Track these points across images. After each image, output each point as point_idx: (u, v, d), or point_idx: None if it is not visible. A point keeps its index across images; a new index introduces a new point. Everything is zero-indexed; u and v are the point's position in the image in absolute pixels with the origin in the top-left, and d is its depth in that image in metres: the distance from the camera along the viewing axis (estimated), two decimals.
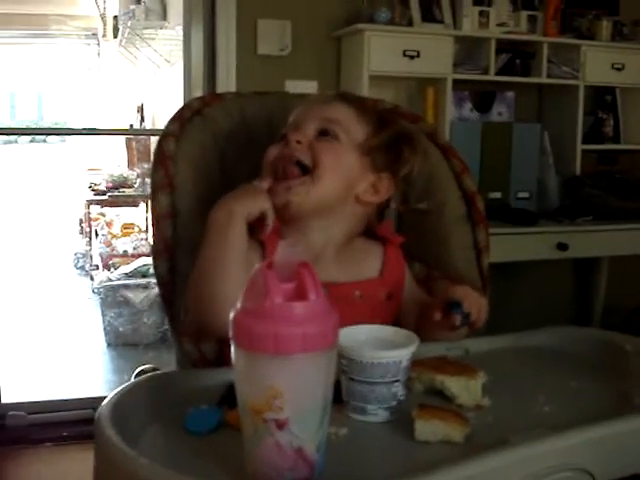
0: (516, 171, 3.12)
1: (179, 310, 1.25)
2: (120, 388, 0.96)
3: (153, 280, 4.26)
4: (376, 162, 1.26)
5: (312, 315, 0.76)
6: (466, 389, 1.00)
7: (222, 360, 1.21)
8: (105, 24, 6.45)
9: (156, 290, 3.85)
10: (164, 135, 1.34)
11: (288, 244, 0.79)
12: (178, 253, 1.28)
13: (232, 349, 0.78)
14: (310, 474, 0.79)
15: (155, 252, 1.29)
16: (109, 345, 4.20)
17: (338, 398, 0.93)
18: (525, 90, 3.31)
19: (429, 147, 1.46)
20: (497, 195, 3.08)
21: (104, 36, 6.77)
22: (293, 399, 0.75)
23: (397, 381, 0.95)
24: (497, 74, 3.09)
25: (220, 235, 1.11)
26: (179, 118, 1.36)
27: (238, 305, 0.79)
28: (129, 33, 4.99)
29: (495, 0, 3.11)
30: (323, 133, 1.23)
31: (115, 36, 5.56)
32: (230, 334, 0.78)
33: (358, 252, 1.29)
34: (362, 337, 1.00)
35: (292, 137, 1.21)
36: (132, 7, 4.83)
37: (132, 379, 1.06)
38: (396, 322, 1.30)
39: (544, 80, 3.18)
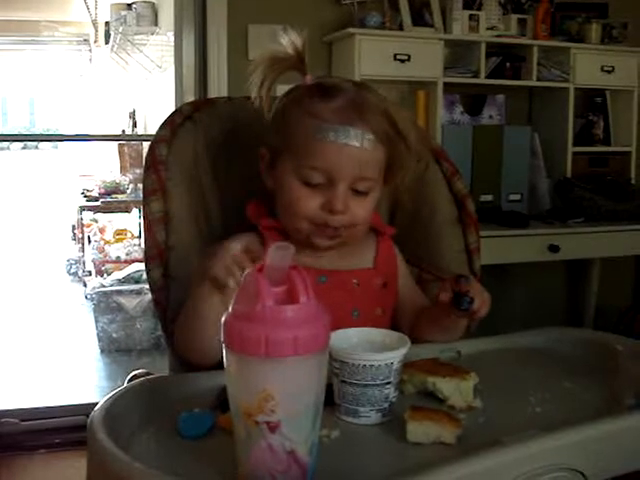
0: (507, 174, 3.13)
1: (172, 316, 1.26)
2: (113, 393, 0.96)
3: (146, 286, 4.23)
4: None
5: (303, 318, 0.76)
6: (458, 390, 1.01)
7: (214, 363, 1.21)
8: (97, 30, 6.43)
9: (149, 296, 3.85)
10: (156, 140, 1.34)
11: (279, 247, 0.79)
12: (171, 258, 1.28)
13: (224, 352, 0.78)
14: (302, 477, 0.79)
15: (148, 257, 1.29)
16: (102, 351, 4.19)
17: (330, 401, 0.93)
18: (515, 93, 3.33)
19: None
20: (488, 198, 3.09)
21: (96, 42, 6.76)
22: (285, 402, 0.75)
23: (389, 383, 0.95)
24: (487, 77, 3.11)
25: (194, 292, 1.11)
26: (170, 123, 1.37)
27: (230, 309, 0.79)
28: (120, 39, 4.99)
29: (485, 4, 3.13)
30: (357, 191, 1.19)
31: (107, 42, 5.55)
32: (222, 338, 0.78)
33: (354, 244, 1.30)
34: (353, 339, 1.00)
35: (337, 207, 1.16)
36: (123, 13, 4.83)
37: (125, 384, 1.05)
38: (394, 313, 1.31)
39: (534, 83, 3.20)
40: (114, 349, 4.17)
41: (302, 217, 1.19)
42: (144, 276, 4.16)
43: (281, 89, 1.26)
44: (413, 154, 1.25)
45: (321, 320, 0.78)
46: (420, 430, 0.89)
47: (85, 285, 5.20)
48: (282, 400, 0.75)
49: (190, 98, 3.06)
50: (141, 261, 4.71)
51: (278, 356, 0.74)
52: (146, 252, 1.30)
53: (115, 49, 5.34)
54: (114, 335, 4.16)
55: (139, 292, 4.27)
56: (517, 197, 3.15)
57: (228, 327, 0.77)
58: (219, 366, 1.13)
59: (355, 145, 1.15)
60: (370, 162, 1.18)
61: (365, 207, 1.21)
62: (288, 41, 1.23)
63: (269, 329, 0.74)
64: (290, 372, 0.75)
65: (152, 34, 4.71)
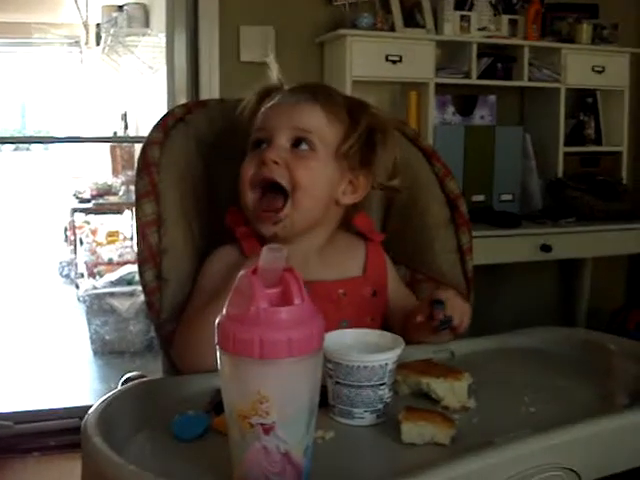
0: (499, 174, 3.14)
1: (165, 318, 1.26)
2: (107, 395, 0.96)
3: (139, 288, 4.23)
4: (352, 162, 1.25)
5: (297, 320, 0.76)
6: (452, 391, 1.01)
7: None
8: (88, 32, 6.43)
9: (142, 298, 3.85)
10: (148, 142, 1.33)
11: (273, 249, 0.79)
12: (164, 261, 1.28)
13: (218, 355, 0.78)
14: (297, 478, 0.79)
15: (141, 260, 1.29)
16: (95, 354, 4.18)
17: (324, 402, 0.93)
18: (507, 93, 3.34)
19: (412, 151, 1.47)
20: (480, 198, 3.09)
21: (87, 44, 6.74)
22: (279, 404, 0.75)
23: (383, 384, 0.95)
24: (479, 78, 3.11)
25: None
26: (163, 125, 1.36)
27: (223, 311, 0.79)
28: (112, 40, 4.98)
29: (476, 5, 3.14)
30: (298, 142, 1.21)
31: (98, 44, 5.55)
32: (216, 339, 0.78)
33: (341, 250, 1.30)
34: (348, 341, 1.01)
35: (268, 157, 1.19)
36: (114, 14, 4.82)
37: (119, 386, 1.05)
38: (385, 320, 1.31)
39: (526, 83, 3.20)
40: (107, 351, 4.16)
41: (244, 182, 1.22)
42: (137, 278, 4.16)
43: None
44: (390, 141, 1.27)
45: (315, 321, 0.78)
46: (414, 431, 0.89)
47: (77, 287, 5.19)
48: (276, 402, 0.75)
49: (182, 100, 3.05)
50: (133, 263, 4.71)
51: (272, 358, 0.74)
52: (139, 255, 1.29)
53: (106, 51, 5.33)
54: (107, 337, 4.15)
55: (132, 294, 4.27)
56: (509, 197, 3.16)
57: (222, 329, 0.77)
58: (213, 368, 1.13)
59: (290, 101, 1.24)
60: (306, 114, 1.22)
61: (307, 164, 1.20)
62: (275, 75, 1.34)
63: (263, 331, 0.75)
64: (284, 374, 0.75)
65: (143, 35, 4.70)
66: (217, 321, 0.78)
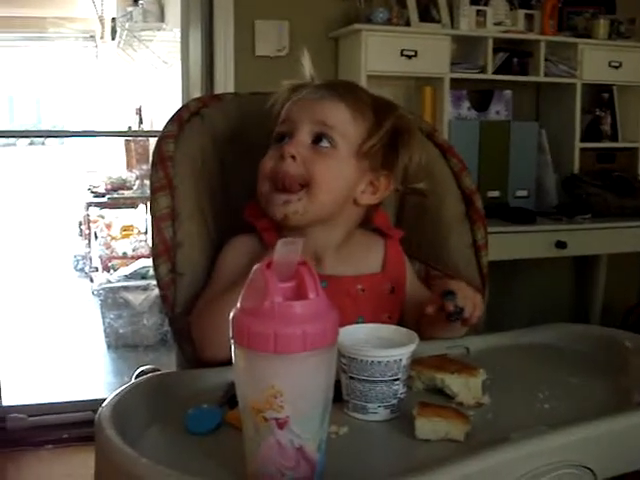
0: (514, 170, 3.13)
1: (180, 312, 1.26)
2: (120, 389, 0.96)
3: (153, 282, 4.26)
4: (373, 162, 1.24)
5: (312, 314, 0.76)
6: (466, 387, 1.00)
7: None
8: (103, 26, 6.44)
9: (156, 292, 3.85)
10: (163, 136, 1.33)
11: (287, 242, 0.79)
12: (178, 254, 1.28)
13: (232, 348, 0.78)
14: (311, 473, 0.79)
15: (155, 254, 1.29)
16: (109, 347, 4.20)
17: (338, 397, 0.93)
18: (523, 89, 3.32)
19: (428, 147, 1.46)
20: (495, 194, 3.08)
21: (102, 38, 6.76)
22: (294, 398, 0.75)
23: (397, 379, 0.95)
24: (495, 73, 3.10)
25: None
26: (177, 119, 1.36)
27: (238, 304, 0.79)
28: (127, 35, 4.98)
29: None
30: (319, 138, 1.20)
31: (113, 38, 5.55)
32: (230, 333, 0.78)
33: (359, 247, 1.30)
34: (362, 336, 1.00)
35: (287, 151, 1.18)
36: (130, 9, 4.83)
37: (132, 380, 1.05)
38: (402, 317, 1.31)
39: (541, 79, 3.19)
40: (121, 345, 4.17)
41: (263, 174, 1.22)
42: (151, 272, 4.18)
43: None
44: (414, 143, 1.26)
45: (330, 316, 0.78)
46: (428, 427, 0.89)
47: (92, 281, 5.21)
48: (291, 396, 0.75)
49: (196, 94, 3.06)
50: (148, 257, 4.72)
51: (287, 352, 0.74)
52: (153, 248, 1.29)
53: (121, 45, 5.33)
54: (121, 331, 4.17)
55: (146, 288, 4.28)
56: (524, 193, 3.15)
57: (236, 323, 0.77)
58: (227, 362, 1.13)
59: (315, 96, 1.23)
60: (330, 110, 1.21)
61: (325, 160, 1.19)
62: (308, 71, 1.32)
63: (278, 325, 0.74)
64: (299, 368, 0.75)
65: (158, 30, 4.70)
66: (231, 315, 0.78)
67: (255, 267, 0.79)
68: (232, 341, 0.78)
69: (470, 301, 1.15)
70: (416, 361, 1.01)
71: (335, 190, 1.21)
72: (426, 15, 3.04)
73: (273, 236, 1.21)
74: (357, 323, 1.18)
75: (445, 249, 1.44)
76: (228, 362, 1.04)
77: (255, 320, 0.75)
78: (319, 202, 1.19)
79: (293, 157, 1.19)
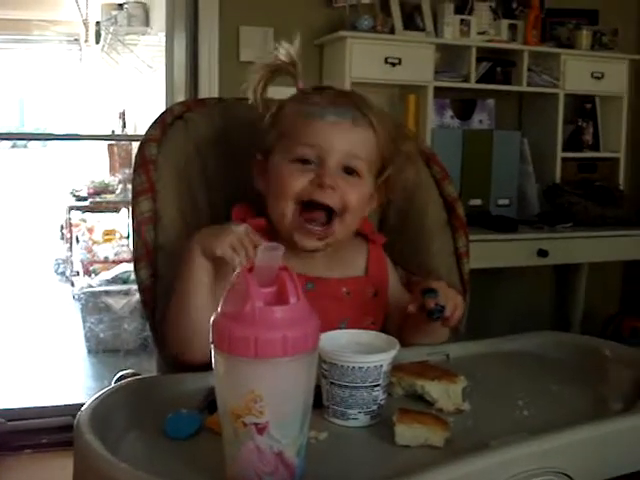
0: (496, 178, 3.14)
1: (160, 316, 1.25)
2: (100, 393, 0.95)
3: (134, 286, 4.24)
4: (381, 184, 1.28)
5: (293, 319, 0.76)
6: (446, 393, 1.01)
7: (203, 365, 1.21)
8: (87, 30, 6.42)
9: (137, 297, 3.83)
10: (145, 140, 1.33)
11: (269, 248, 0.79)
12: (159, 258, 1.28)
13: (212, 353, 0.78)
14: (290, 478, 0.79)
15: (136, 257, 1.28)
16: (90, 351, 4.17)
17: (318, 403, 0.93)
18: (505, 98, 3.34)
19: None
20: (477, 202, 3.09)
21: (86, 41, 6.74)
22: (273, 403, 0.75)
23: (378, 385, 0.95)
24: (478, 82, 3.11)
25: (183, 270, 1.14)
26: (161, 123, 1.36)
27: (218, 309, 0.79)
28: (111, 39, 4.97)
29: (476, 9, 3.14)
30: (349, 170, 1.21)
31: (97, 42, 5.54)
32: (210, 338, 0.78)
33: (344, 250, 1.31)
34: (343, 341, 1.00)
35: (327, 183, 1.17)
36: (114, 13, 4.81)
37: (112, 384, 1.05)
38: (385, 320, 1.31)
39: (524, 88, 3.21)
40: (101, 349, 4.15)
41: (290, 195, 1.19)
42: (132, 277, 4.15)
43: (274, 91, 1.29)
44: (407, 157, 1.30)
45: (311, 321, 0.78)
46: (408, 433, 0.89)
47: (73, 285, 5.18)
48: (271, 401, 0.75)
49: (180, 99, 3.05)
50: (129, 261, 4.70)
51: (267, 357, 0.74)
52: (134, 252, 1.29)
53: (106, 49, 5.32)
54: (101, 335, 4.14)
55: (127, 292, 4.27)
56: (506, 202, 3.16)
57: (217, 327, 0.77)
58: (207, 366, 1.13)
59: (346, 122, 1.20)
60: (361, 141, 1.21)
61: (356, 190, 1.21)
62: (284, 50, 1.27)
63: (258, 330, 0.74)
64: (279, 373, 0.75)
65: (143, 34, 4.70)
66: (212, 319, 0.78)
67: (236, 272, 0.79)
68: (212, 345, 0.78)
69: (451, 301, 1.15)
70: (396, 367, 1.01)
71: (361, 214, 1.26)
72: (410, 23, 3.05)
73: (263, 235, 1.21)
74: (340, 327, 1.18)
75: (427, 256, 1.45)
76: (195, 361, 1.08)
77: (236, 325, 0.75)
78: (348, 227, 1.23)
79: (332, 188, 1.18)
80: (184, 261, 1.14)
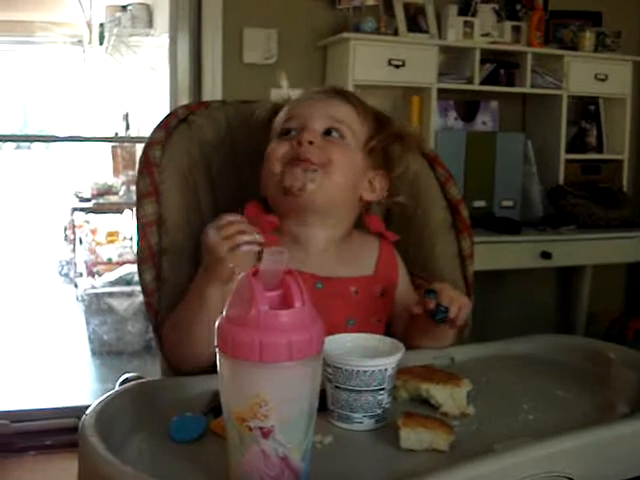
0: (500, 180, 3.14)
1: (163, 318, 1.25)
2: (105, 396, 0.95)
3: (137, 288, 4.22)
4: (374, 161, 1.30)
5: (298, 323, 0.76)
6: (451, 397, 1.01)
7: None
8: (91, 31, 6.42)
9: (140, 298, 3.82)
10: (150, 142, 1.33)
11: (274, 252, 0.79)
12: (163, 261, 1.28)
13: (217, 357, 0.78)
14: None
15: (140, 260, 1.28)
16: (93, 353, 4.17)
17: (323, 406, 0.93)
18: (509, 100, 3.33)
19: (414, 157, 1.46)
20: (481, 204, 3.09)
21: (90, 43, 6.74)
22: (279, 407, 0.75)
23: (382, 389, 0.95)
24: (481, 84, 3.11)
25: (195, 303, 1.13)
26: (165, 125, 1.36)
27: (223, 313, 0.79)
28: (115, 40, 4.98)
29: (480, 11, 3.14)
30: (329, 132, 1.25)
31: (101, 43, 5.54)
32: (215, 342, 0.78)
33: (355, 247, 1.31)
34: (347, 345, 1.00)
35: (304, 137, 1.22)
36: (118, 14, 4.82)
37: (116, 387, 1.05)
38: (391, 322, 1.31)
39: (528, 90, 3.20)
40: (105, 351, 4.15)
41: (275, 160, 1.23)
42: (135, 278, 4.15)
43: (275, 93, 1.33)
44: (412, 150, 1.35)
45: (316, 325, 0.78)
46: (413, 437, 0.89)
47: (76, 286, 5.18)
48: (276, 405, 0.75)
49: (184, 101, 3.05)
50: (133, 263, 4.70)
51: (272, 361, 0.74)
52: (138, 254, 1.29)
53: (109, 50, 5.33)
54: (105, 337, 4.14)
55: (130, 294, 4.26)
56: (510, 203, 3.16)
57: (222, 331, 0.77)
58: (211, 370, 1.13)
59: (325, 96, 1.29)
60: (340, 111, 1.27)
61: (339, 148, 1.24)
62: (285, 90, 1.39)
63: (263, 334, 0.74)
64: (284, 377, 0.75)
65: (146, 36, 4.70)
66: (217, 323, 0.78)
67: (241, 275, 0.79)
68: (217, 349, 0.78)
69: (456, 301, 1.15)
70: (401, 371, 1.01)
71: (348, 175, 1.25)
72: (414, 25, 3.05)
73: (276, 238, 1.22)
74: (348, 325, 1.21)
75: (431, 258, 1.45)
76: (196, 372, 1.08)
77: (240, 329, 0.75)
78: (335, 182, 1.23)
79: (311, 142, 1.22)
80: (196, 287, 1.13)
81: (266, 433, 0.76)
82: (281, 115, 1.30)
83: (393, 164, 1.32)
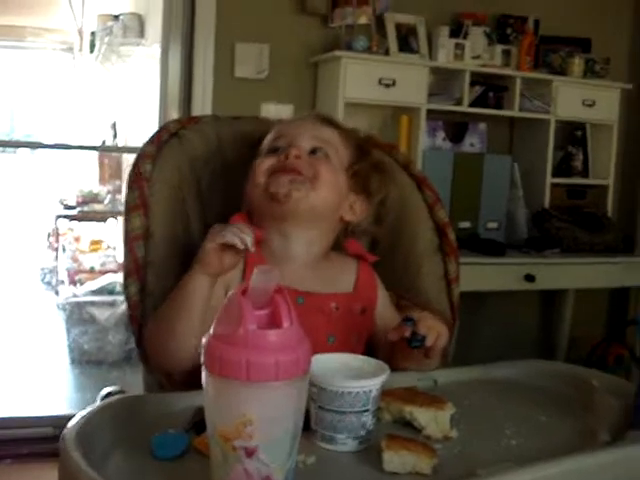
0: (486, 202, 3.16)
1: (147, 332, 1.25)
2: (87, 410, 0.94)
3: (119, 298, 4.22)
4: (356, 185, 1.32)
5: (285, 343, 0.76)
6: (434, 420, 1.01)
7: (189, 383, 1.21)
8: (82, 39, 6.42)
9: (122, 308, 3.81)
10: (140, 156, 1.33)
11: (264, 270, 0.79)
12: (149, 275, 1.28)
13: (203, 374, 0.77)
14: None
15: (126, 273, 1.28)
16: (73, 362, 4.13)
17: (306, 426, 0.93)
18: (497, 122, 3.36)
19: (403, 178, 1.48)
20: (467, 225, 3.10)
21: (80, 50, 6.74)
22: (264, 427, 0.75)
23: (367, 411, 0.95)
24: (470, 106, 3.13)
25: (180, 289, 1.16)
26: (156, 139, 1.36)
27: (211, 330, 0.78)
28: (106, 49, 4.98)
29: (471, 33, 3.16)
30: (314, 151, 1.28)
31: (91, 51, 5.54)
32: (202, 359, 0.77)
33: (334, 267, 1.33)
34: (333, 365, 1.00)
35: (291, 152, 1.25)
36: (110, 23, 4.82)
37: (98, 401, 1.04)
38: (370, 341, 1.32)
39: (516, 113, 3.23)
40: (85, 361, 4.11)
41: (260, 173, 1.27)
42: (118, 288, 4.12)
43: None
44: (390, 181, 1.38)
45: (303, 345, 0.78)
46: (396, 459, 0.89)
47: (58, 294, 5.14)
48: (261, 425, 0.75)
49: (174, 112, 3.05)
50: (115, 272, 4.68)
51: (259, 381, 0.74)
52: (125, 267, 1.29)
53: (99, 59, 5.33)
54: (85, 347, 4.11)
55: (112, 304, 4.23)
56: (495, 225, 3.18)
57: (209, 349, 0.77)
58: (193, 385, 1.13)
59: (310, 120, 1.35)
60: (325, 133, 1.32)
61: (325, 165, 1.28)
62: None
63: (251, 353, 0.74)
64: (270, 397, 0.75)
65: (138, 46, 4.70)
66: (203, 340, 0.78)
67: (230, 293, 0.79)
68: (203, 367, 0.77)
69: (433, 330, 1.15)
70: (385, 393, 1.01)
71: (333, 191, 1.28)
72: (405, 45, 3.07)
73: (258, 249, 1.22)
74: (328, 343, 1.22)
75: (417, 280, 1.45)
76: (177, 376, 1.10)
77: (228, 347, 0.75)
78: (320, 195, 1.25)
79: (297, 157, 1.25)
80: (183, 281, 1.15)
81: (250, 452, 0.75)
82: (269, 135, 1.33)
83: (373, 192, 1.35)
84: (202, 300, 1.13)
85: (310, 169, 1.25)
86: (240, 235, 1.09)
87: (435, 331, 1.15)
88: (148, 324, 1.22)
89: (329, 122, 1.35)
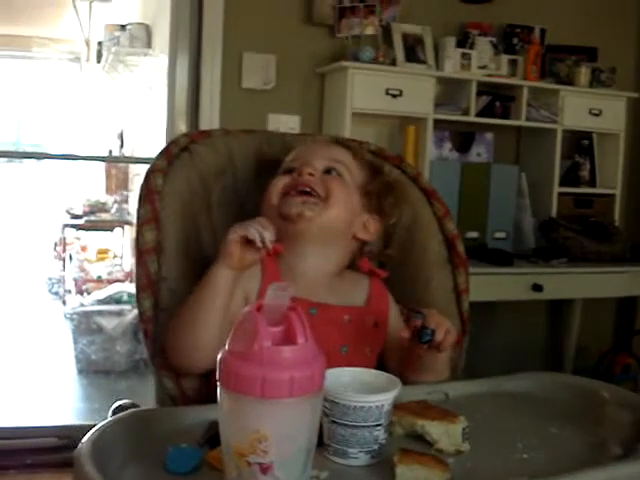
0: (493, 211, 3.15)
1: (160, 347, 1.25)
2: (101, 424, 0.95)
3: (127, 307, 4.23)
4: (369, 205, 1.35)
5: (300, 359, 0.77)
6: (446, 434, 1.01)
7: (202, 397, 1.21)
8: (89, 48, 6.45)
9: (129, 317, 3.80)
10: (152, 170, 1.34)
11: (279, 287, 0.80)
12: (162, 289, 1.28)
13: (218, 390, 0.78)
14: None
15: (138, 287, 1.29)
16: (80, 372, 4.14)
17: (319, 441, 0.93)
18: (504, 132, 3.36)
19: (414, 192, 1.49)
20: (474, 235, 3.10)
21: (87, 60, 6.76)
22: (278, 443, 0.75)
23: (379, 425, 0.95)
24: (477, 115, 3.13)
25: (203, 286, 1.17)
26: (167, 153, 1.37)
27: (226, 346, 0.79)
28: (113, 59, 4.99)
29: (477, 43, 3.17)
30: (329, 171, 1.31)
31: (98, 61, 5.56)
32: (217, 376, 0.78)
33: (347, 283, 1.34)
34: (345, 380, 1.00)
35: (305, 170, 1.29)
36: (117, 33, 4.84)
37: (109, 414, 1.05)
38: (383, 354, 1.32)
39: (523, 123, 3.23)
40: (92, 370, 4.11)
41: (274, 192, 1.30)
42: (125, 297, 4.12)
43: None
44: (403, 201, 1.42)
45: (317, 362, 0.78)
46: (409, 474, 0.89)
47: (65, 304, 5.15)
48: (275, 441, 0.75)
49: (181, 123, 3.06)
50: (122, 281, 4.69)
51: (274, 397, 0.74)
52: (137, 281, 1.29)
53: (106, 68, 5.34)
54: (93, 356, 4.11)
55: (119, 313, 4.24)
56: (503, 235, 3.17)
57: (224, 365, 0.77)
58: (205, 395, 1.14)
59: (325, 141, 1.42)
60: (339, 153, 1.35)
61: (339, 184, 1.31)
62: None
63: (266, 370, 0.75)
64: (285, 413, 0.75)
65: (145, 55, 4.72)
66: (219, 356, 0.78)
67: (245, 309, 0.80)
68: (218, 383, 0.78)
69: (442, 326, 1.16)
70: (396, 406, 1.01)
71: (346, 209, 1.31)
72: (412, 56, 3.08)
73: (274, 263, 1.25)
74: (341, 352, 1.23)
75: (427, 292, 1.46)
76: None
77: (243, 363, 0.76)
78: (333, 214, 1.28)
79: (311, 174, 1.29)
80: (206, 274, 1.17)
81: (265, 469, 0.76)
82: (286, 157, 1.37)
83: (387, 212, 1.38)
84: (225, 291, 1.15)
85: (323, 187, 1.28)
86: (261, 232, 1.12)
87: (444, 326, 1.16)
88: (169, 320, 1.23)
89: (343, 144, 1.40)
